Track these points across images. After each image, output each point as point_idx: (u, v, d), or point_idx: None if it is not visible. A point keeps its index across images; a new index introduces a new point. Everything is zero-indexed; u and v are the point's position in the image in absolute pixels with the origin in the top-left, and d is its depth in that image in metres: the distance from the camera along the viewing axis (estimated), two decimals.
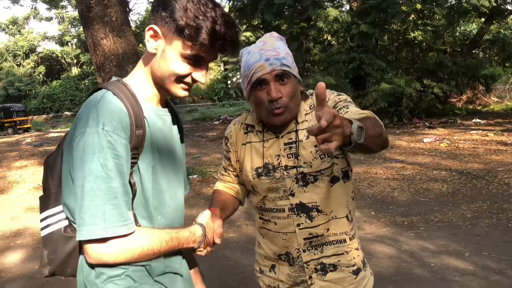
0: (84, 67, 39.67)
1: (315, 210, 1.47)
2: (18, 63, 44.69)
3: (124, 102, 1.08)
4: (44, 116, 32.29)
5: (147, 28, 1.11)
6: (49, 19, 47.60)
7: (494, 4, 12.88)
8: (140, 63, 1.19)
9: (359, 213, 4.99)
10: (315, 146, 1.46)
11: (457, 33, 16.51)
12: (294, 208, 1.48)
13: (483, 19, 15.18)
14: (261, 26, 14.96)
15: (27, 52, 45.08)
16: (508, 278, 3.27)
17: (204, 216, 1.29)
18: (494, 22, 15.41)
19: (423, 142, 9.28)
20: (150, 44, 1.12)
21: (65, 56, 46.16)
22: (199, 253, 1.26)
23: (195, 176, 7.33)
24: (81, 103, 30.68)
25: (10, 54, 44.90)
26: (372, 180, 6.46)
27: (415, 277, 3.39)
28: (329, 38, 15.26)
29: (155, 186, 1.15)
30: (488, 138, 9.14)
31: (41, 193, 1.21)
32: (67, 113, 31.90)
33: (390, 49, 14.56)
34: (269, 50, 1.43)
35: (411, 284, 3.27)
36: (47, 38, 49.13)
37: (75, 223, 1.06)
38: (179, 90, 1.16)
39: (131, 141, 1.07)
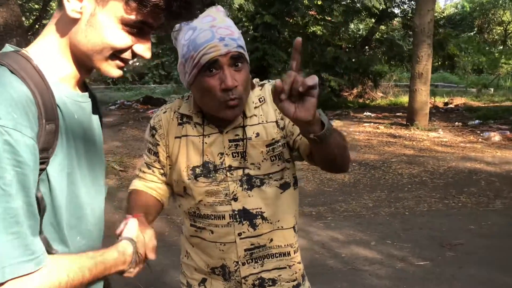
0: None
1: (259, 217, 1.29)
2: None
3: (28, 84, 0.77)
4: None
5: None
6: None
7: (384, 6, 13.92)
8: (51, 30, 0.86)
9: None
10: (267, 146, 1.29)
11: (350, 31, 17.56)
12: (236, 214, 1.28)
13: (373, 20, 16.34)
14: None
15: None
16: (411, 265, 3.47)
17: (132, 228, 1.01)
18: (382, 23, 16.69)
19: None
20: (71, 5, 0.80)
21: None
22: (128, 275, 0.98)
23: None
24: None
25: None
26: None
27: (329, 268, 3.43)
28: None
29: (72, 199, 0.86)
30: (379, 130, 9.83)
31: None
32: None
33: (291, 41, 14.93)
34: (222, 28, 1.19)
35: (325, 276, 3.29)
36: None
37: None
38: (112, 69, 0.87)
39: (39, 141, 0.76)
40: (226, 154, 1.28)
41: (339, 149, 1.15)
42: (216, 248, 1.32)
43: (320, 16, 13.73)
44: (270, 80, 1.39)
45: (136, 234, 1.01)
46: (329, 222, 4.45)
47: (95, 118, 0.99)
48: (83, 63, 0.87)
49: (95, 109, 1.00)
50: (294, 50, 0.96)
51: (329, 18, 13.75)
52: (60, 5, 0.83)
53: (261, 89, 1.35)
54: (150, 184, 1.38)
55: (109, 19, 0.81)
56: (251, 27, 13.57)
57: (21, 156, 0.72)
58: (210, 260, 1.34)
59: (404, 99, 14.56)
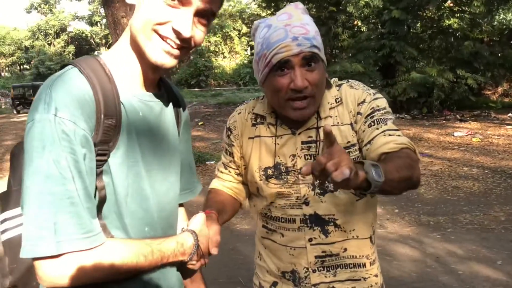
0: None
1: (332, 224, 1.23)
2: (49, 42, 45.43)
3: (91, 82, 0.84)
4: None
5: None
6: None
7: None
8: (126, 32, 0.94)
9: (382, 210, 4.70)
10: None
11: (496, 22, 15.65)
12: (307, 219, 1.23)
13: None
14: None
15: (58, 32, 45.75)
16: None
17: (197, 221, 1.04)
18: None
19: (453, 135, 8.82)
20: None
21: (94, 36, 46.62)
22: (191, 266, 1.01)
23: (212, 162, 7.14)
24: None
25: (42, 33, 45.64)
26: None
27: (441, 285, 3.11)
28: (359, 23, 14.72)
29: (137, 190, 0.91)
30: None
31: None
32: None
33: (422, 37, 13.90)
34: (296, 27, 1.15)
35: None
36: (78, 18, 49.70)
37: None
38: (158, 52, 0.88)
39: (97, 133, 0.84)
40: (298, 156, 1.23)
41: (396, 187, 1.02)
42: (286, 252, 1.29)
43: (457, 7, 12.51)
44: (349, 80, 1.31)
45: (200, 228, 1.03)
46: (448, 234, 4.04)
47: (169, 116, 1.03)
48: (141, 56, 0.91)
49: (173, 108, 1.04)
50: (326, 135, 0.86)
51: (468, 9, 12.44)
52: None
53: (338, 89, 1.27)
54: (227, 184, 1.40)
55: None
56: (378, 24, 13.04)
57: (75, 145, 0.80)
58: (281, 263, 1.31)
59: None
